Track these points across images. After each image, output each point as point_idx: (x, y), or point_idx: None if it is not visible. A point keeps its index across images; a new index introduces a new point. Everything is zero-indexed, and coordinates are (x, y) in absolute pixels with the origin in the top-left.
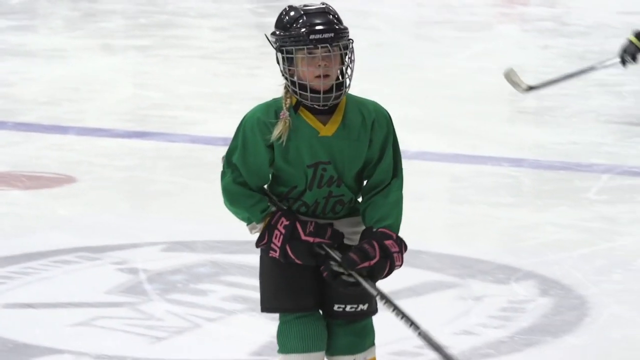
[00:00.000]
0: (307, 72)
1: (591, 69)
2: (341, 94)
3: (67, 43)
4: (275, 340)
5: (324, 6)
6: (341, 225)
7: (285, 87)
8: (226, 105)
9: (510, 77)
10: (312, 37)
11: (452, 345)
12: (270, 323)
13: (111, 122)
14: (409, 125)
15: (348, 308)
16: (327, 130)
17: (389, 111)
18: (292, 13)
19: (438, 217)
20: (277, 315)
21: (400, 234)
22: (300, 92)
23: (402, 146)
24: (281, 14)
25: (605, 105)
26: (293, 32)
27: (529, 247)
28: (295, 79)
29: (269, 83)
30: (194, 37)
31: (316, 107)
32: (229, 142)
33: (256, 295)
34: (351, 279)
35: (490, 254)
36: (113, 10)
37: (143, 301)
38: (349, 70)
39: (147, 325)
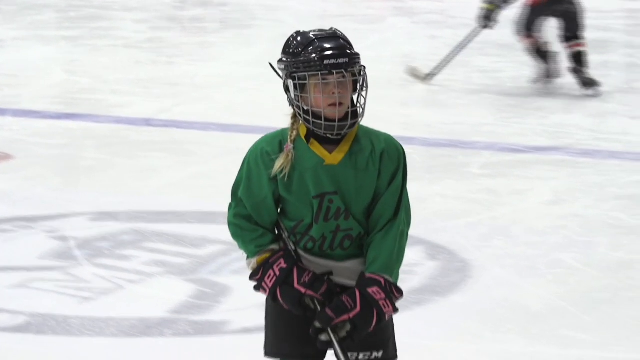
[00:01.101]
0: (320, 99)
1: (466, 41)
2: (356, 122)
3: (5, 34)
4: (191, 300)
5: (334, 30)
6: (357, 267)
7: (293, 117)
8: (147, 90)
9: (411, 72)
10: (326, 62)
11: None
12: (186, 285)
13: (44, 105)
14: None
15: (361, 356)
16: (333, 158)
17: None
18: (301, 38)
19: None
20: (196, 277)
21: None
22: (314, 120)
23: None
24: (289, 39)
25: (486, 89)
26: (305, 58)
27: (419, 217)
28: (308, 107)
29: (185, 71)
30: (118, 28)
31: (329, 136)
32: (152, 123)
33: (174, 259)
34: (327, 338)
35: None
36: (46, 4)
37: (72, 265)
38: (361, 98)
39: (77, 287)
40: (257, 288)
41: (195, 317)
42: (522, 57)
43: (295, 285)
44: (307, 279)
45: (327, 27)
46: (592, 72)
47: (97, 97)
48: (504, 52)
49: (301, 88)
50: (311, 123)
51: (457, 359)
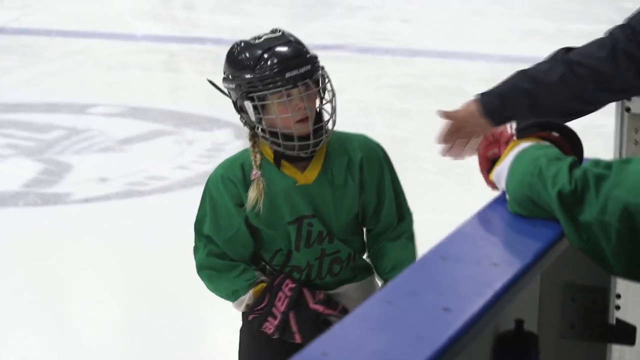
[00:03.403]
0: (289, 118)
1: None
2: (330, 133)
3: None
4: (39, 176)
5: (281, 33)
6: (353, 292)
7: (252, 139)
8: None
9: None
10: (288, 75)
11: (171, 176)
12: (35, 163)
13: None
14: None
15: None
16: (306, 177)
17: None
18: (249, 50)
19: (159, 82)
20: (43, 157)
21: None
22: (284, 143)
23: (130, 31)
24: (234, 52)
25: None
26: (260, 74)
27: (227, 104)
28: (274, 128)
29: None
30: None
31: (301, 155)
32: (4, 31)
33: (24, 143)
34: None
35: (198, 109)
36: None
37: None
38: (330, 105)
39: None
40: (261, 320)
41: (43, 190)
42: None
43: (311, 305)
44: (321, 297)
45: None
46: None
47: None
48: None
49: (262, 108)
50: (281, 145)
51: None
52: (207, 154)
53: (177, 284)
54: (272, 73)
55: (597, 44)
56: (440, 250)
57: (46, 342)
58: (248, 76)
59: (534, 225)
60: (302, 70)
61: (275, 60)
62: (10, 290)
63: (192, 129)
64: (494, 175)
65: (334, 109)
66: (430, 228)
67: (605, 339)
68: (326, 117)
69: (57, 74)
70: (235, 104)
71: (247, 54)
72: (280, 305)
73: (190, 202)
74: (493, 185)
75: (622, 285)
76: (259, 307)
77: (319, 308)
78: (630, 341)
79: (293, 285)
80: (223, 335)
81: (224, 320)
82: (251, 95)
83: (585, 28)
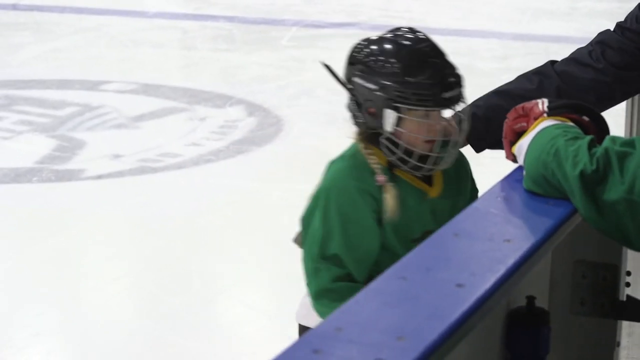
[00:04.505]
0: (419, 139)
1: None
2: (448, 165)
3: None
4: (53, 152)
5: (425, 37)
6: None
7: (367, 143)
8: None
9: None
10: (446, 95)
11: (184, 153)
12: (48, 140)
13: None
14: None
15: None
16: (435, 190)
17: None
18: (405, 57)
19: (172, 60)
20: (56, 133)
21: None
22: (401, 155)
23: (143, 8)
24: (382, 52)
25: None
26: (416, 89)
27: (240, 81)
28: (399, 140)
29: None
30: None
31: (414, 172)
32: (18, 7)
33: (38, 119)
34: None
35: (211, 86)
36: None
37: None
38: (462, 136)
39: None
40: None
41: (56, 167)
42: None
43: None
44: None
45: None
46: None
47: None
48: None
49: (398, 121)
50: (399, 160)
51: (270, 197)
52: (220, 130)
53: (189, 260)
54: (431, 92)
55: (582, 53)
56: (453, 227)
57: (60, 317)
58: (400, 86)
59: (546, 202)
60: (457, 92)
61: (435, 78)
62: (24, 266)
63: (204, 106)
64: (516, 149)
65: (463, 141)
66: None
67: (616, 316)
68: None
69: (70, 50)
70: (356, 101)
71: (402, 62)
72: None
73: (202, 178)
74: (513, 158)
75: (632, 262)
76: None
77: None
78: None
79: None
80: (234, 312)
81: (235, 297)
82: (397, 106)
83: (596, 6)
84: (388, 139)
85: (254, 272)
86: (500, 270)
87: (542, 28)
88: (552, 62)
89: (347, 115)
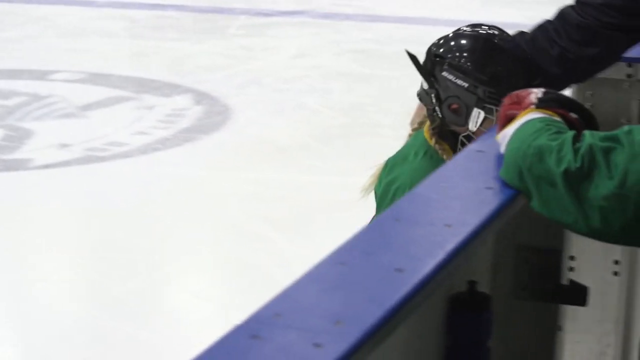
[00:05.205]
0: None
1: None
2: None
3: None
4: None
5: (507, 34)
6: None
7: (436, 137)
8: None
9: None
10: None
11: (131, 142)
12: None
13: None
14: None
15: None
16: None
17: None
18: (501, 60)
19: (120, 49)
20: (4, 123)
21: None
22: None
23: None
24: (486, 54)
25: None
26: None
27: (188, 70)
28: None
29: None
30: None
31: None
32: None
33: None
34: None
35: (159, 75)
36: None
37: None
38: None
39: None
40: None
41: (4, 156)
42: None
43: None
44: None
45: None
46: None
47: None
48: None
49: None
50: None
51: (218, 185)
52: (167, 119)
53: (136, 248)
54: None
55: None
56: (395, 212)
57: (6, 307)
58: (494, 89)
59: (488, 187)
60: None
61: (522, 81)
62: None
63: (152, 95)
64: (500, 137)
65: None
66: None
67: (558, 300)
68: None
69: (19, 40)
70: (437, 96)
71: (502, 66)
72: None
73: (149, 167)
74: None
75: (576, 247)
76: None
77: None
78: (582, 301)
79: None
80: (180, 300)
81: (182, 286)
82: (489, 107)
83: None
84: (467, 136)
85: (200, 260)
86: (440, 255)
87: (492, 15)
88: (522, 33)
89: (296, 104)
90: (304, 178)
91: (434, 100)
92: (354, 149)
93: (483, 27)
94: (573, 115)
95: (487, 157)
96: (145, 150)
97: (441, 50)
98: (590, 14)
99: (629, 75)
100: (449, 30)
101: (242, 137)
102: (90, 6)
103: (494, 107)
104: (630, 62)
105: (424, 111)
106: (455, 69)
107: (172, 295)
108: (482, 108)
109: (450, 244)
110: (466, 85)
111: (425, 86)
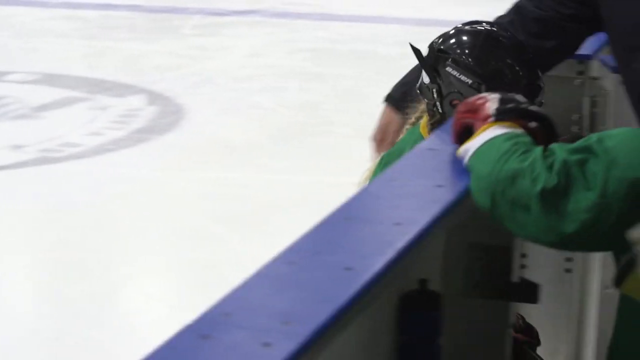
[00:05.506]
0: None
1: None
2: None
3: None
4: None
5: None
6: None
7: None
8: None
9: None
10: (537, 100)
11: (85, 143)
12: None
13: None
14: None
15: None
16: None
17: None
18: (505, 60)
19: (74, 49)
20: None
21: None
22: None
23: None
24: (489, 52)
25: None
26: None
27: (142, 70)
28: None
29: None
30: None
31: None
32: None
33: None
34: None
35: (113, 75)
36: None
37: None
38: None
39: None
40: None
41: None
42: None
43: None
44: (521, 324)
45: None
46: None
47: None
48: None
49: None
50: None
51: (172, 185)
52: (120, 120)
53: (90, 249)
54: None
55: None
56: (345, 211)
57: None
58: (496, 87)
59: (439, 185)
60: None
61: (524, 80)
62: None
63: (106, 96)
64: (461, 151)
65: None
66: (342, 192)
67: (509, 298)
68: None
69: None
70: (439, 90)
71: (502, 62)
72: None
73: (103, 168)
74: (458, 142)
75: (528, 244)
76: None
77: (519, 336)
78: (534, 299)
79: None
80: (134, 300)
81: (137, 287)
82: None
83: None
84: None
85: (154, 260)
86: (390, 253)
87: (445, 13)
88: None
89: (250, 103)
90: (259, 177)
91: (435, 95)
92: (309, 147)
93: (484, 24)
94: (532, 124)
95: (438, 155)
96: (99, 151)
97: (445, 45)
98: (548, 5)
99: (579, 72)
100: (402, 29)
101: (196, 137)
102: (44, 7)
103: None
104: (581, 59)
105: (423, 106)
106: (460, 65)
107: (126, 296)
108: None
109: (399, 242)
110: (470, 81)
111: (427, 80)
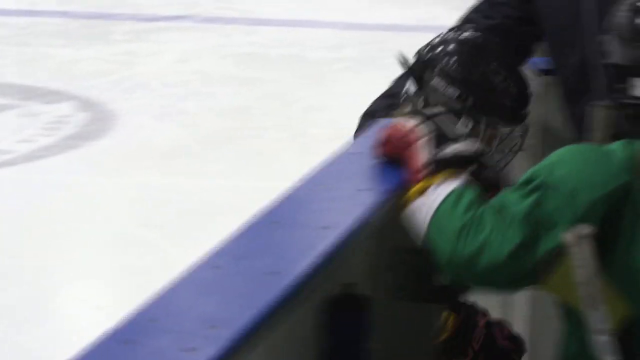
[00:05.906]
0: None
1: None
2: None
3: None
4: None
5: None
6: None
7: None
8: None
9: None
10: (523, 111)
11: (16, 150)
12: None
13: None
14: None
15: None
16: None
17: None
18: (502, 71)
19: (5, 56)
20: None
21: None
22: None
23: None
24: (477, 61)
25: None
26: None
27: (74, 76)
28: None
29: None
30: None
31: None
32: None
33: None
34: None
35: (45, 82)
36: None
37: None
38: None
39: None
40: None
41: None
42: None
43: (499, 342)
44: (508, 332)
45: None
46: None
47: None
48: None
49: None
50: None
51: (104, 192)
52: (52, 126)
53: (22, 256)
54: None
55: None
56: (271, 215)
57: None
58: (483, 99)
59: (364, 189)
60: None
61: (513, 89)
62: None
63: (37, 102)
64: (409, 210)
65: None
66: (272, 196)
67: (434, 300)
68: None
69: None
70: (426, 100)
71: (492, 74)
72: (476, 344)
73: (34, 175)
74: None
75: None
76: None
77: (506, 344)
78: (456, 302)
79: (485, 320)
80: (67, 306)
81: (68, 291)
82: (479, 116)
83: None
84: None
85: (87, 266)
86: (315, 257)
87: (377, 17)
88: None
89: (180, 108)
90: (190, 182)
91: (420, 107)
92: (240, 152)
93: (472, 33)
94: (467, 170)
95: (363, 159)
96: (30, 158)
97: (432, 55)
98: (497, 12)
99: None
100: (332, 33)
101: (128, 143)
102: None
103: (483, 117)
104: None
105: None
106: (447, 75)
107: (59, 302)
108: (471, 117)
109: (325, 246)
110: (457, 93)
111: (412, 90)
